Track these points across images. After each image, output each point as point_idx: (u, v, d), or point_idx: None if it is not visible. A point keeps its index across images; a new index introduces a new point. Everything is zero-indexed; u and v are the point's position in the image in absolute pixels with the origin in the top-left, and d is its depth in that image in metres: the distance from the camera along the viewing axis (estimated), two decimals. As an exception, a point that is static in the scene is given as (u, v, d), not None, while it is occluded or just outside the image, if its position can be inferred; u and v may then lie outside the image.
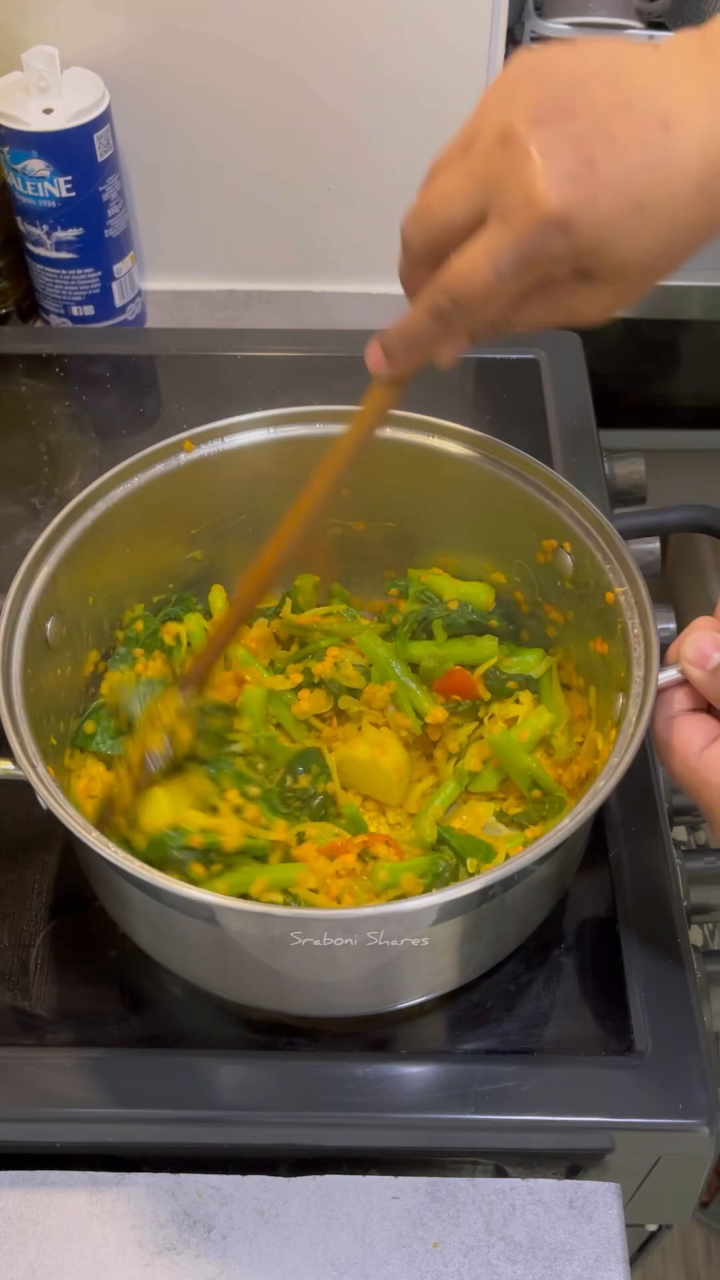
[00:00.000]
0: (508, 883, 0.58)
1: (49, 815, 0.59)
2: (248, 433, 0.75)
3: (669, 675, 0.60)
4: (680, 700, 0.60)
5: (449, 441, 0.74)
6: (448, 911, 0.59)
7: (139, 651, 0.77)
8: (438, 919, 0.59)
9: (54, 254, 1.07)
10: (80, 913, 0.72)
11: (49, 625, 0.69)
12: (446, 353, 0.58)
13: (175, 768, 0.68)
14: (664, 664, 0.61)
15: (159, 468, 0.74)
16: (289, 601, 0.81)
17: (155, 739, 0.67)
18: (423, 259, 0.55)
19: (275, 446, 0.76)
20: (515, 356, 1.07)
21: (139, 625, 0.77)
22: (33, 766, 0.60)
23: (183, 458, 0.74)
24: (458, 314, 0.53)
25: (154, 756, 0.67)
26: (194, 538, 0.79)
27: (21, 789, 0.61)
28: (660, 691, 0.60)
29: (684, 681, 0.59)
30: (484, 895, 0.58)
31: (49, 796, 0.59)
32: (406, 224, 0.55)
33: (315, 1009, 0.67)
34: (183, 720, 0.68)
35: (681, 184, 0.49)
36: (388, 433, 0.75)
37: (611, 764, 0.60)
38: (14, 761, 0.60)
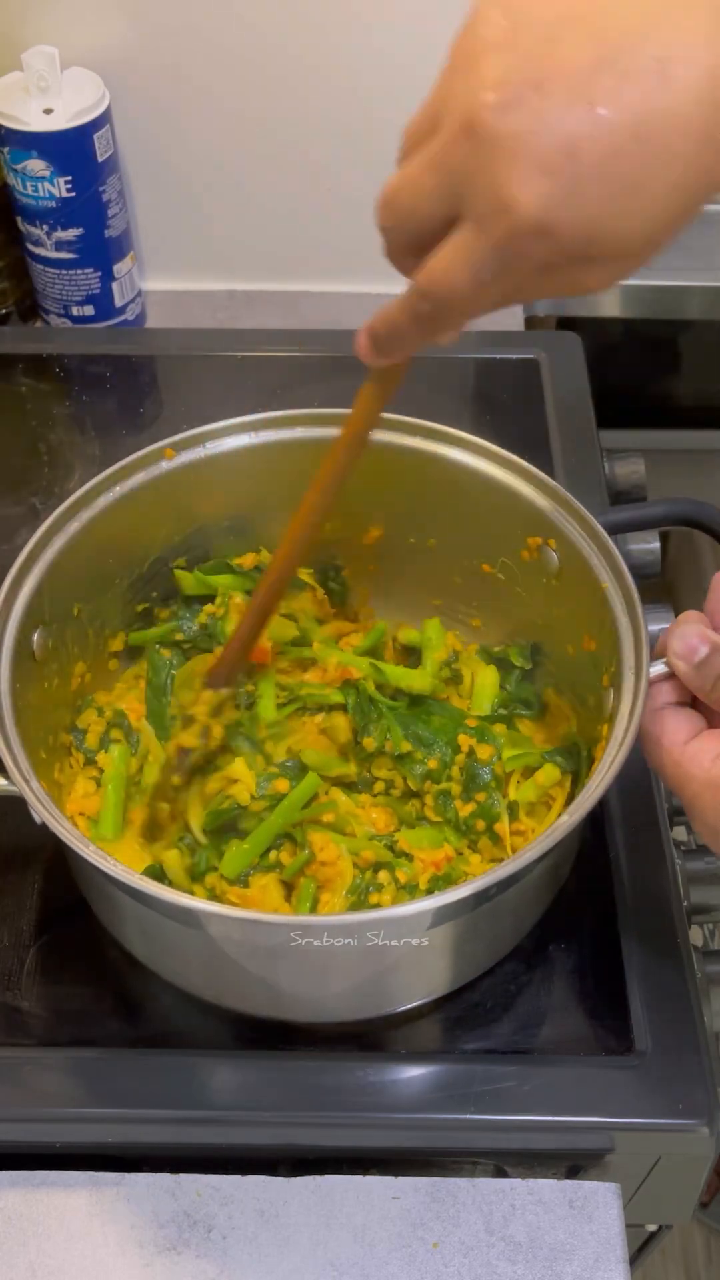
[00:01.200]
0: (505, 884, 0.58)
1: (41, 827, 0.59)
2: (229, 438, 0.75)
3: (656, 669, 0.60)
4: (666, 693, 0.60)
5: (429, 441, 0.74)
6: (443, 915, 0.59)
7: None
8: (434, 923, 0.59)
9: (54, 254, 1.07)
10: (81, 914, 0.72)
11: (35, 638, 0.68)
12: (444, 338, 0.52)
13: (209, 762, 0.69)
14: (652, 658, 0.61)
15: (140, 476, 0.73)
16: None
17: (189, 738, 0.69)
18: (401, 250, 0.50)
19: (257, 451, 0.75)
20: (515, 356, 1.07)
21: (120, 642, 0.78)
22: (26, 782, 0.60)
23: (164, 465, 0.74)
24: (440, 314, 0.49)
25: (186, 752, 0.69)
26: (177, 546, 0.78)
27: (9, 801, 0.61)
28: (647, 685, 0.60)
29: (671, 675, 0.59)
30: (481, 897, 0.58)
31: (44, 811, 0.58)
32: (380, 209, 0.49)
33: (309, 1015, 0.67)
34: (215, 717, 0.69)
35: (681, 143, 0.41)
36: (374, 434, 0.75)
37: (606, 759, 0.60)
38: (7, 777, 0.60)
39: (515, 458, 0.72)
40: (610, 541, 0.68)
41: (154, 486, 0.73)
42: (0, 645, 0.65)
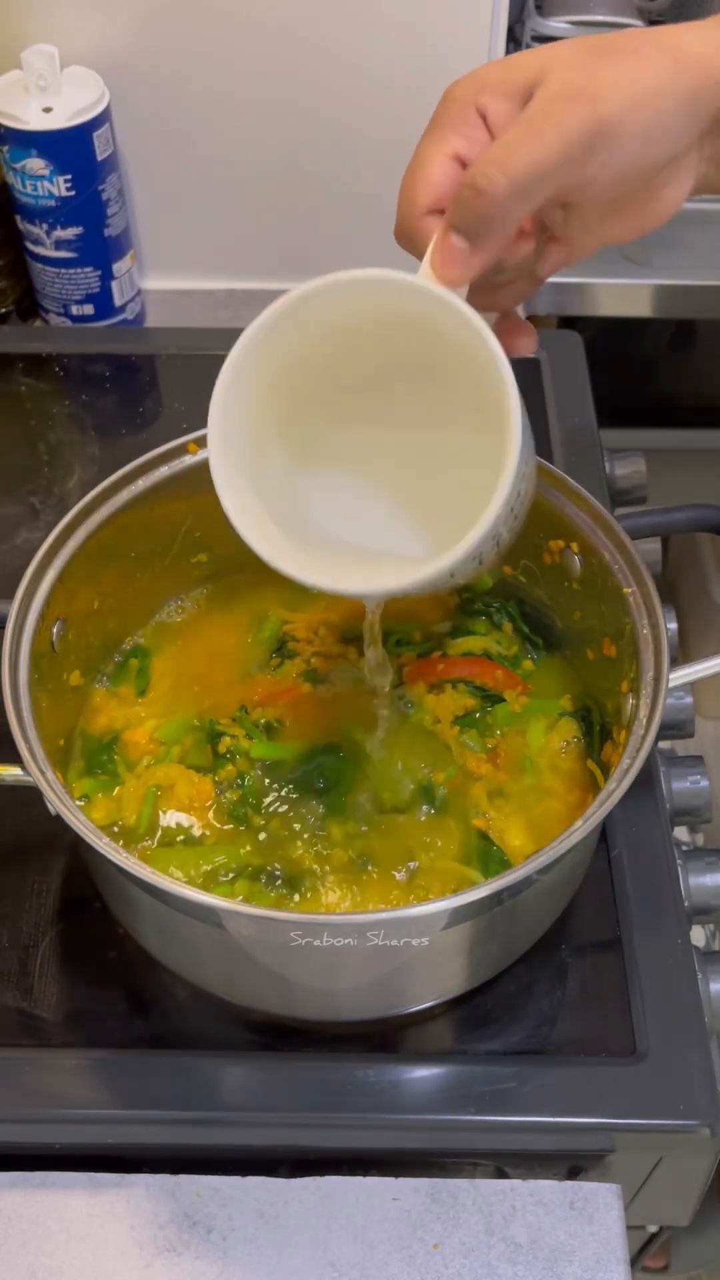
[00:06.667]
0: (519, 887, 0.58)
1: (50, 819, 0.59)
2: None
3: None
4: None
5: None
6: (459, 915, 0.58)
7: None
8: (449, 923, 0.59)
9: (53, 253, 1.07)
10: (81, 914, 0.72)
11: (55, 630, 0.68)
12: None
13: None
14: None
15: (163, 470, 0.73)
16: None
17: None
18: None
19: None
20: (516, 356, 1.07)
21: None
22: (42, 773, 0.59)
23: (187, 460, 0.74)
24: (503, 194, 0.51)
25: None
26: (198, 540, 0.78)
27: (22, 791, 0.61)
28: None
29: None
30: (496, 899, 0.57)
31: (59, 802, 0.58)
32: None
33: (323, 1013, 0.67)
34: None
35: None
36: None
37: (623, 766, 0.60)
38: (23, 767, 0.60)
39: (538, 459, 0.72)
40: (633, 547, 0.68)
41: (177, 481, 0.73)
42: (20, 637, 0.65)
